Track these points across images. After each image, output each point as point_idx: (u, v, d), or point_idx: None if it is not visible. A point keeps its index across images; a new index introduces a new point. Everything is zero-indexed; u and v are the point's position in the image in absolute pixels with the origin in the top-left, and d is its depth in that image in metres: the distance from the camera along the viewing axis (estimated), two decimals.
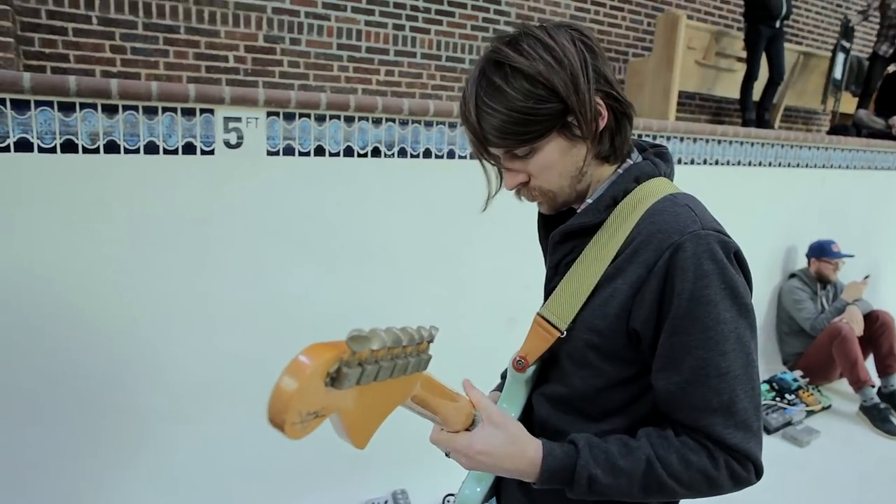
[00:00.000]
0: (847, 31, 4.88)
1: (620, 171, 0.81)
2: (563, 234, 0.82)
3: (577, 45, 0.73)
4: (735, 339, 0.71)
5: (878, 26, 5.03)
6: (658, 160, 0.83)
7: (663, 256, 0.71)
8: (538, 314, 0.82)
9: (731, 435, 0.71)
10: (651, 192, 0.78)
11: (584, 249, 0.80)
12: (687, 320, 0.71)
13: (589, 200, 0.82)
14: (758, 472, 0.74)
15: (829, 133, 4.81)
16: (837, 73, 4.88)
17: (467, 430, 0.77)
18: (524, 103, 0.71)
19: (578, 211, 0.83)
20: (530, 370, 0.84)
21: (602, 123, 0.76)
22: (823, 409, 3.05)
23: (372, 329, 0.51)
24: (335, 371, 0.50)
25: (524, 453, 0.74)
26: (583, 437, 0.76)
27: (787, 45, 4.48)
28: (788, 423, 2.85)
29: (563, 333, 0.79)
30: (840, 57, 4.84)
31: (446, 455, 0.81)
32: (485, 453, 0.74)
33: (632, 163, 0.82)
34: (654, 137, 2.88)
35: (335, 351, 0.49)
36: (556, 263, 0.85)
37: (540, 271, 0.92)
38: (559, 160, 0.76)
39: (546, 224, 0.90)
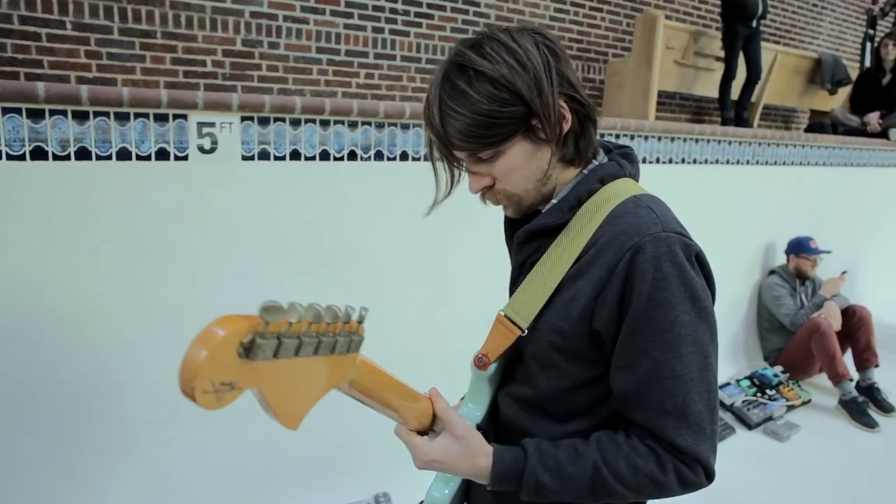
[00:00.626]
0: (872, 22, 5.67)
1: (585, 171, 0.82)
2: (528, 233, 0.82)
3: (540, 49, 0.73)
4: (692, 342, 0.72)
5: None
6: (623, 161, 0.84)
7: (624, 258, 0.72)
8: (500, 312, 0.83)
9: (683, 437, 0.72)
10: (615, 193, 0.79)
11: (547, 250, 0.80)
12: (644, 322, 0.72)
13: (554, 201, 0.82)
14: (708, 476, 0.75)
15: (805, 131, 4.88)
16: (866, 62, 5.53)
17: (425, 433, 0.80)
18: (488, 106, 0.71)
19: (543, 211, 0.83)
20: (492, 368, 0.85)
21: (566, 127, 0.76)
22: (804, 403, 3.09)
23: (290, 303, 0.50)
24: (248, 342, 0.49)
25: (476, 463, 0.77)
26: (533, 442, 0.78)
27: (763, 44, 4.54)
28: (769, 419, 2.88)
29: (523, 332, 0.79)
30: (868, 46, 5.55)
31: None
32: (439, 462, 0.77)
33: (597, 163, 0.83)
34: (633, 137, 2.90)
35: (249, 321, 0.49)
36: (520, 263, 0.86)
37: None
38: (524, 163, 0.76)
39: (512, 224, 0.91)
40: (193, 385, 0.46)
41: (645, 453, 0.74)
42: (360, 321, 0.60)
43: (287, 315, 0.50)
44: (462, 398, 0.97)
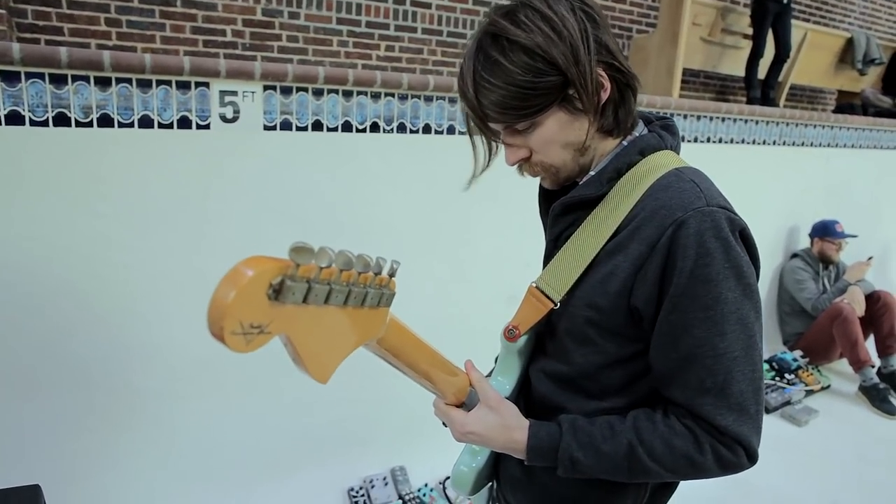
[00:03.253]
0: None
1: (625, 143, 0.79)
2: (564, 205, 0.80)
3: (577, 15, 0.70)
4: (736, 319, 0.69)
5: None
6: (664, 133, 0.81)
7: (666, 233, 0.70)
8: (532, 284, 0.82)
9: (723, 417, 0.70)
10: (656, 165, 0.76)
11: (584, 222, 0.78)
12: (686, 299, 0.69)
13: (592, 172, 0.80)
14: (750, 457, 0.72)
15: (834, 112, 4.75)
16: None
17: (461, 405, 0.80)
18: (523, 77, 0.69)
19: (581, 183, 0.81)
20: (522, 340, 0.84)
21: (605, 96, 0.74)
22: (823, 388, 3.06)
23: (321, 246, 0.49)
24: (278, 283, 0.47)
25: (511, 437, 0.78)
26: (568, 418, 0.78)
27: (793, 21, 4.40)
28: (787, 403, 2.86)
29: (556, 304, 0.78)
30: None
31: (444, 425, 0.83)
32: (476, 434, 0.78)
33: (637, 135, 0.80)
34: None
35: (278, 263, 0.47)
36: (556, 236, 0.84)
37: (541, 249, 0.91)
38: (560, 134, 0.74)
39: (546, 197, 0.89)
40: (222, 325, 0.44)
41: (682, 433, 0.72)
42: (392, 275, 0.58)
43: (317, 259, 0.48)
44: (489, 372, 0.97)
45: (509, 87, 0.69)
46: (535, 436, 0.77)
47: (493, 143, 0.81)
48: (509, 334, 0.83)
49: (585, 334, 0.78)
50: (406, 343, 0.67)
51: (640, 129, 0.81)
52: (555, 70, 0.69)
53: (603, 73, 0.72)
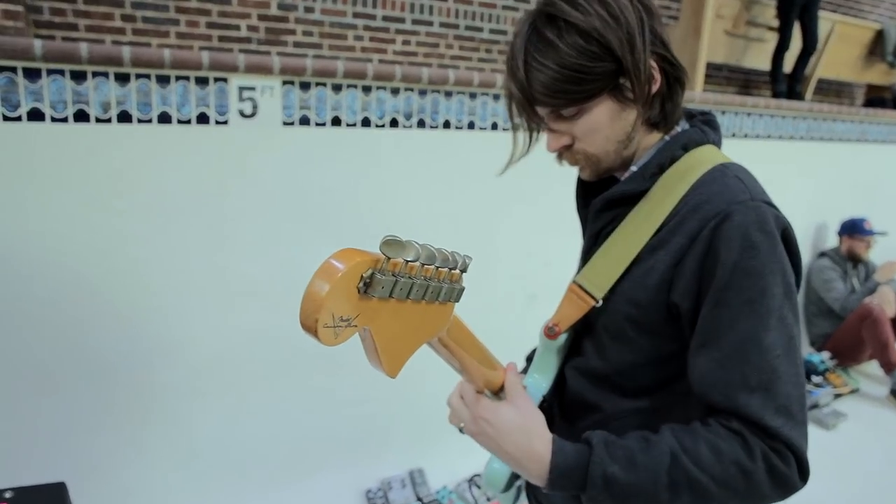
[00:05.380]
0: None
1: (667, 137, 0.77)
2: (606, 201, 0.78)
3: (634, 3, 0.69)
4: (778, 318, 0.65)
5: None
6: (706, 128, 0.79)
7: (708, 225, 0.67)
8: (573, 281, 0.79)
9: (771, 418, 0.63)
10: (700, 160, 0.74)
11: (626, 218, 0.75)
12: (730, 292, 0.65)
13: (634, 168, 0.78)
14: (802, 470, 0.65)
15: (864, 105, 4.62)
16: None
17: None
18: (577, 60, 0.67)
19: (623, 178, 0.79)
20: (562, 338, 0.81)
21: (654, 87, 0.72)
22: (851, 391, 2.98)
23: (407, 240, 0.49)
24: (368, 277, 0.48)
25: (531, 445, 0.68)
26: (598, 434, 0.69)
27: (820, 12, 4.28)
28: (815, 406, 2.78)
29: (598, 302, 0.75)
30: None
31: (460, 431, 0.79)
32: (490, 424, 0.70)
33: (679, 130, 0.78)
34: None
35: (369, 256, 0.48)
36: (596, 232, 0.81)
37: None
38: (607, 123, 0.72)
39: (585, 192, 0.86)
40: (317, 318, 0.45)
41: (728, 436, 0.65)
42: (464, 270, 0.58)
43: (405, 252, 0.48)
44: (524, 369, 0.93)
45: (562, 69, 0.67)
46: (560, 451, 0.67)
47: (534, 130, 0.79)
48: (549, 332, 0.80)
49: (623, 331, 0.74)
50: (463, 338, 0.67)
51: (682, 125, 0.79)
52: (609, 56, 0.67)
53: (655, 65, 0.71)
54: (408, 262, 0.50)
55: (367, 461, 2.10)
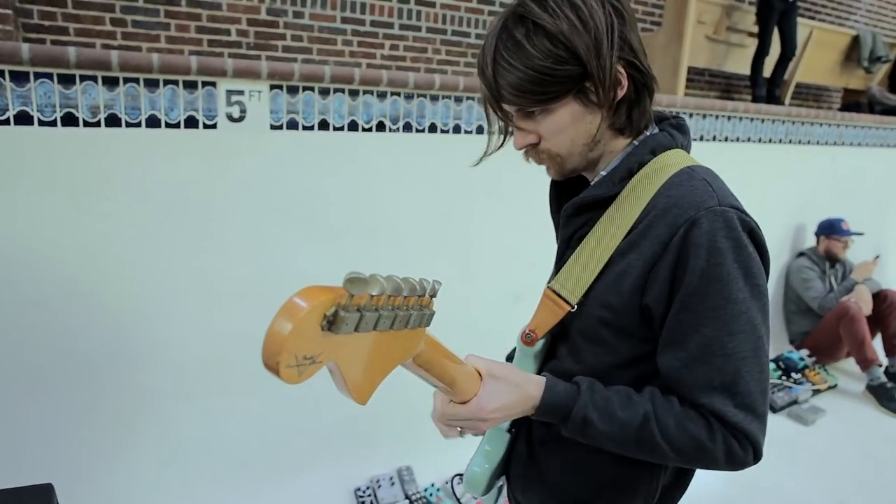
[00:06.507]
0: None
1: (636, 142, 0.79)
2: (577, 206, 0.80)
3: (605, 8, 0.70)
4: (746, 320, 0.69)
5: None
6: (675, 132, 0.81)
7: (678, 233, 0.70)
8: (548, 287, 0.81)
9: (733, 414, 0.70)
10: (667, 164, 0.76)
11: (597, 222, 0.78)
12: (697, 297, 0.69)
13: (603, 172, 0.80)
14: (756, 456, 0.72)
15: (840, 109, 4.72)
16: None
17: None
18: (543, 62, 0.68)
19: (592, 183, 0.81)
20: (539, 344, 0.83)
21: (621, 93, 0.73)
22: (830, 388, 3.05)
23: (371, 274, 0.49)
24: (332, 315, 0.48)
25: (528, 393, 0.74)
26: (587, 380, 0.76)
27: (799, 19, 4.38)
28: (794, 402, 2.85)
29: (573, 307, 0.77)
30: None
31: (461, 436, 0.80)
32: (498, 409, 0.73)
33: (648, 134, 0.80)
34: None
35: (332, 294, 0.48)
36: (568, 236, 0.83)
37: (547, 248, 0.90)
38: (571, 125, 0.74)
39: (559, 196, 0.88)
40: (278, 360, 0.45)
41: (697, 419, 0.71)
42: (433, 295, 0.58)
43: (369, 287, 0.48)
44: None
45: (528, 70, 0.69)
46: (551, 389, 0.74)
47: (508, 125, 0.81)
48: (526, 338, 0.82)
49: (598, 334, 0.77)
50: (436, 356, 0.67)
51: (652, 129, 0.81)
52: (575, 60, 0.68)
53: (622, 71, 0.72)
54: (373, 296, 0.50)
55: (355, 459, 2.13)
